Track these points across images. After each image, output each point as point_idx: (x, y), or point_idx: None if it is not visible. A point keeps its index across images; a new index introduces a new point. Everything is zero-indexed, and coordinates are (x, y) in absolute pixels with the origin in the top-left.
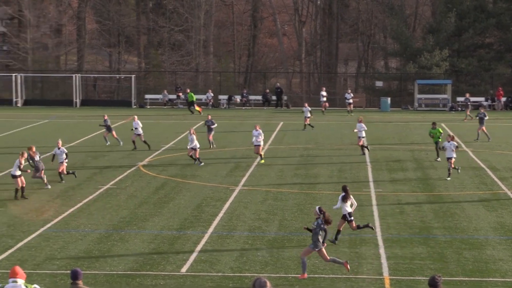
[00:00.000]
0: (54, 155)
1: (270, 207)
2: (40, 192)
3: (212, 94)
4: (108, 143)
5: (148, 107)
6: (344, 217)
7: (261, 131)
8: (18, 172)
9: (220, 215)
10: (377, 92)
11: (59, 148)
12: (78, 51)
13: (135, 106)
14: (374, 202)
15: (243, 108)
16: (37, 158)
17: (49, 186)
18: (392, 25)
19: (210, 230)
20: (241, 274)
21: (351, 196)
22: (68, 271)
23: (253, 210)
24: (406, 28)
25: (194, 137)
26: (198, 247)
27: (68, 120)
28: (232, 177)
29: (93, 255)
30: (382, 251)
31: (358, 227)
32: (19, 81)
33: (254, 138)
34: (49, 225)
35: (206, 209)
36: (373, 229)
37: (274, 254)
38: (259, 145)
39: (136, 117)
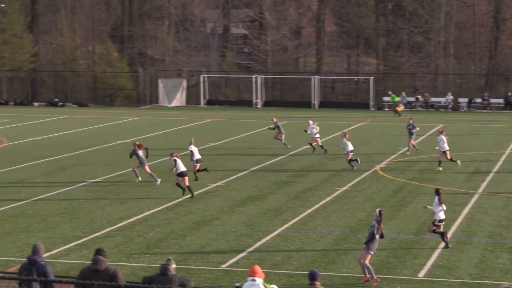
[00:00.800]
0: (192, 153)
1: (511, 213)
2: (279, 192)
3: (452, 97)
4: (288, 146)
5: (386, 109)
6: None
7: (443, 137)
8: (184, 169)
9: (459, 220)
10: None
11: (190, 146)
12: (317, 53)
13: (373, 108)
14: None
15: (484, 111)
16: (141, 153)
17: (140, 178)
18: None
19: (449, 235)
20: (481, 281)
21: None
22: (305, 272)
23: (493, 216)
24: None
25: (346, 140)
26: (436, 252)
27: (306, 122)
28: (471, 181)
29: (330, 256)
30: None
31: (434, 231)
32: (259, 82)
33: (440, 144)
34: (286, 225)
35: (444, 214)
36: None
37: None
38: (445, 151)
39: (311, 121)
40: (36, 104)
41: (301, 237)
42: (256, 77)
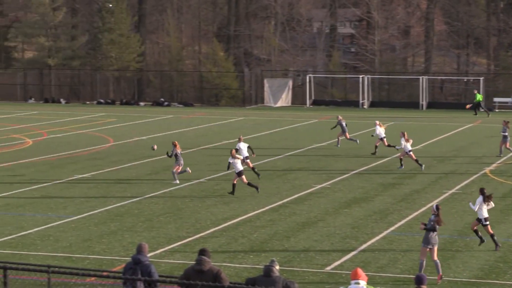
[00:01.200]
0: (237, 150)
1: None
2: (385, 194)
3: None
4: (339, 145)
5: (497, 110)
6: (478, 220)
7: None
8: (241, 168)
9: None
10: None
11: (239, 142)
12: (426, 52)
13: (482, 110)
14: None
15: None
16: (179, 153)
17: (177, 181)
18: None
19: None
20: None
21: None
22: (411, 276)
23: None
24: None
25: (404, 141)
26: None
27: (413, 123)
28: None
29: None
30: None
31: (492, 235)
32: (366, 82)
33: None
34: (392, 228)
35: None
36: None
37: None
38: None
39: (377, 121)
40: (142, 103)
41: (407, 240)
42: (363, 77)
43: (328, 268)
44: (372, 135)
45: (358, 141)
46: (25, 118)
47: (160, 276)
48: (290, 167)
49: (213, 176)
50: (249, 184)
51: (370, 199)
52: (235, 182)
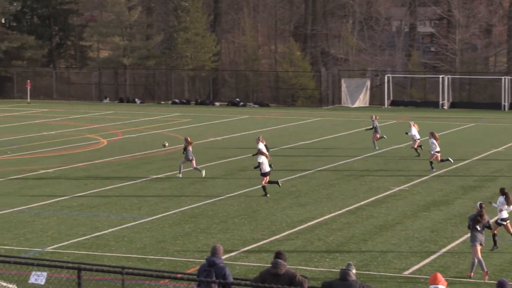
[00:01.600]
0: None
1: None
2: (465, 197)
3: None
4: (377, 147)
5: None
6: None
7: None
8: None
9: None
10: None
11: (260, 142)
12: (508, 52)
13: None
14: None
15: None
16: (190, 149)
17: (180, 175)
18: None
19: None
20: None
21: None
22: (493, 281)
23: None
24: None
25: (434, 140)
26: None
27: (496, 124)
28: None
29: None
30: None
31: (494, 235)
32: (446, 83)
33: None
34: None
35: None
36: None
37: None
38: None
39: (412, 123)
40: (217, 103)
41: (488, 245)
42: (443, 77)
43: (406, 272)
44: (407, 133)
45: (377, 148)
46: (100, 118)
47: (234, 278)
48: (368, 168)
49: (288, 177)
50: (264, 187)
51: (450, 202)
52: (265, 183)
